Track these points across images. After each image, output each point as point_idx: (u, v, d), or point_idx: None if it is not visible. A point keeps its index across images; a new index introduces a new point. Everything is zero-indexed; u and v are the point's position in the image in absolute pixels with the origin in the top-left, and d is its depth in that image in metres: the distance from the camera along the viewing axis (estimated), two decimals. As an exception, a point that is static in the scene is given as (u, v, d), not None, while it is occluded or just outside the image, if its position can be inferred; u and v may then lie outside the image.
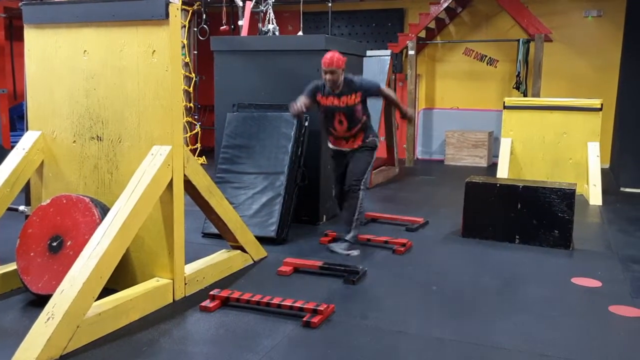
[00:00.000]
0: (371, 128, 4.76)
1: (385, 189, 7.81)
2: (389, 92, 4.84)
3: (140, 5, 3.54)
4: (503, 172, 7.38)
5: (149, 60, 3.57)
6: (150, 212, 3.48)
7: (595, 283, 4.16)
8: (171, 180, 3.55)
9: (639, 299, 3.86)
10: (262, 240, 4.73)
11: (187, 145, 9.91)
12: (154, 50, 3.54)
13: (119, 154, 3.73)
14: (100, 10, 3.66)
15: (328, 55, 4.45)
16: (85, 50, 3.74)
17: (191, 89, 9.88)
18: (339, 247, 4.68)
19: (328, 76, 4.45)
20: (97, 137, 3.78)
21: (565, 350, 3.09)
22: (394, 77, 10.12)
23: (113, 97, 3.70)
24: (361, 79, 4.72)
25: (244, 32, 7.19)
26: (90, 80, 3.75)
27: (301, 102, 4.49)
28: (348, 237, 4.69)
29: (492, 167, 9.21)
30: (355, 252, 4.66)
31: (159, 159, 3.47)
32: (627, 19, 9.15)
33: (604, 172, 7.65)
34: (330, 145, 4.82)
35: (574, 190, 5.00)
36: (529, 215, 5.06)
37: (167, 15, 3.48)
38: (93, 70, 3.74)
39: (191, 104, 10.00)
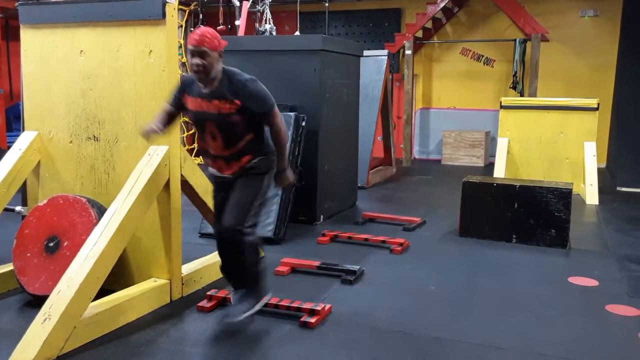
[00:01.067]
0: (264, 149, 3.25)
1: (382, 189, 7.82)
2: (281, 124, 3.16)
3: (137, 5, 3.53)
4: (500, 172, 7.39)
5: (146, 61, 3.56)
6: (148, 212, 3.48)
7: (592, 282, 4.17)
8: (168, 180, 3.54)
9: (635, 298, 3.87)
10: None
11: (184, 146, 9.91)
12: (151, 50, 3.54)
13: (115, 154, 3.72)
14: (97, 10, 3.65)
15: (198, 30, 3.03)
16: (81, 51, 3.73)
17: (188, 89, 9.86)
18: (238, 312, 3.23)
19: (195, 60, 2.96)
20: (94, 137, 3.77)
21: (562, 350, 3.09)
22: (391, 77, 10.12)
23: (110, 97, 3.69)
24: (250, 82, 3.10)
25: (240, 32, 7.19)
26: (87, 81, 3.74)
27: (154, 123, 3.18)
28: (244, 306, 3.24)
29: (489, 166, 9.22)
30: (258, 307, 3.31)
31: (156, 159, 3.46)
32: (624, 19, 9.17)
33: (600, 171, 7.66)
34: (209, 169, 3.34)
35: (571, 189, 5.01)
36: (525, 214, 5.07)
37: (163, 15, 3.47)
38: (90, 70, 3.73)
39: (188, 104, 9.99)
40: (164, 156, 3.48)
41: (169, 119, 3.25)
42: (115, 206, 3.31)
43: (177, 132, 3.64)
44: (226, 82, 3.07)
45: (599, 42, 9.85)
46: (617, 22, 9.43)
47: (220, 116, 3.07)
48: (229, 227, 3.11)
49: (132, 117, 3.64)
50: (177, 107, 3.25)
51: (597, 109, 7.38)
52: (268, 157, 3.26)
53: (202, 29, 3.03)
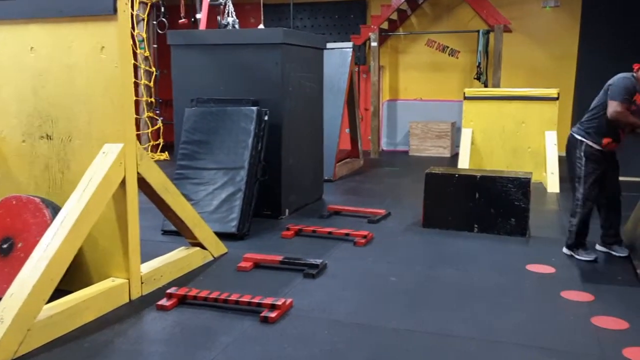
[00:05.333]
0: None
1: (349, 181, 7.84)
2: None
3: (88, 1, 3.46)
4: (464, 163, 7.48)
5: (98, 57, 3.49)
6: (104, 211, 3.42)
7: (549, 269, 4.26)
8: (124, 178, 3.49)
9: (589, 283, 3.97)
10: (223, 236, 4.71)
11: (150, 141, 9.78)
12: (103, 47, 3.47)
13: (70, 152, 3.65)
14: (47, 5, 3.56)
15: None
16: (32, 47, 3.65)
17: (152, 83, 9.74)
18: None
19: None
20: (47, 136, 3.69)
21: (518, 336, 3.15)
22: (357, 69, 10.14)
23: (62, 95, 3.62)
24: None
25: (202, 26, 7.11)
26: (39, 78, 3.66)
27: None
28: None
29: (456, 157, 9.29)
30: None
31: (110, 157, 3.41)
32: (584, 10, 9.35)
33: (561, 160, 7.79)
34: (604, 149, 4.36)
35: (530, 179, 5.10)
36: (486, 204, 5.14)
37: (115, 10, 3.40)
38: (41, 67, 3.64)
39: (152, 99, 9.86)
40: (118, 154, 3.43)
41: None
42: (69, 205, 3.26)
43: (132, 129, 3.58)
44: None
45: (560, 33, 10.01)
46: (578, 13, 9.61)
47: None
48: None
49: (86, 115, 3.58)
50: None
51: (557, 98, 7.52)
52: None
53: None
